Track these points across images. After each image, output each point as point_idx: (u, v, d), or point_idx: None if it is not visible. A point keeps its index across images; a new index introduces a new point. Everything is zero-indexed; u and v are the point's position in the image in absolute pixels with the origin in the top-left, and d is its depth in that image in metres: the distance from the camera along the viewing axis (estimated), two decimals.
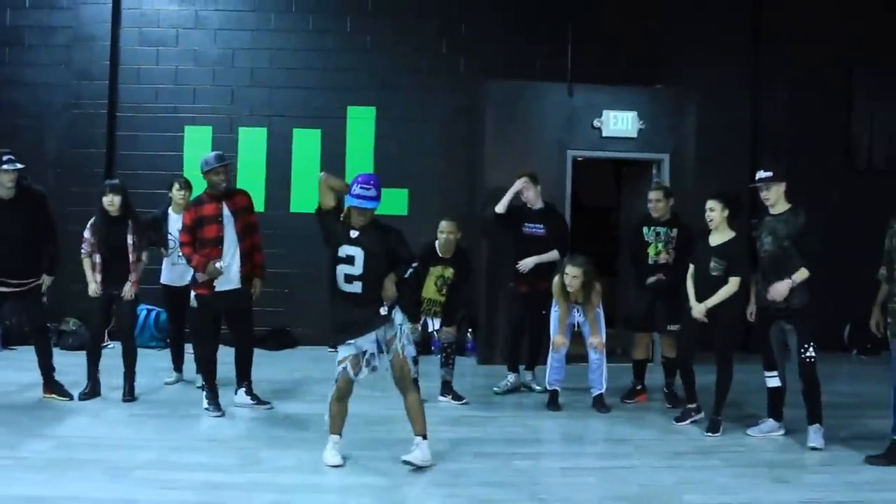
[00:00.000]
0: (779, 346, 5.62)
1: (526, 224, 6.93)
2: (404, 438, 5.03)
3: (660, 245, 6.50)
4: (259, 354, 6.51)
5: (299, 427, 5.61)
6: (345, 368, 4.74)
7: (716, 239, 5.79)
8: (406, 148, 9.09)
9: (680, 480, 4.73)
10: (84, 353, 6.39)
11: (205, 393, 5.99)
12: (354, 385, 4.83)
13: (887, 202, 6.05)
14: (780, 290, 5.37)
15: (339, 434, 4.90)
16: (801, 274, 5.34)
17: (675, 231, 6.49)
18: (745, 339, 8.22)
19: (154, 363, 7.34)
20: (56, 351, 6.53)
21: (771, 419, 5.72)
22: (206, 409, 5.93)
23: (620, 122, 8.31)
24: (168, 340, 7.37)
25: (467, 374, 7.65)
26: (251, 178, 8.82)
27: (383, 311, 4.74)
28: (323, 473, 4.71)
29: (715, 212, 5.78)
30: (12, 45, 9.03)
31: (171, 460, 4.85)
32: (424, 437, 4.80)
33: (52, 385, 6.12)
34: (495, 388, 6.88)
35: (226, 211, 5.90)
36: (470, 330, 8.71)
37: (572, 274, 6.16)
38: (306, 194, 8.97)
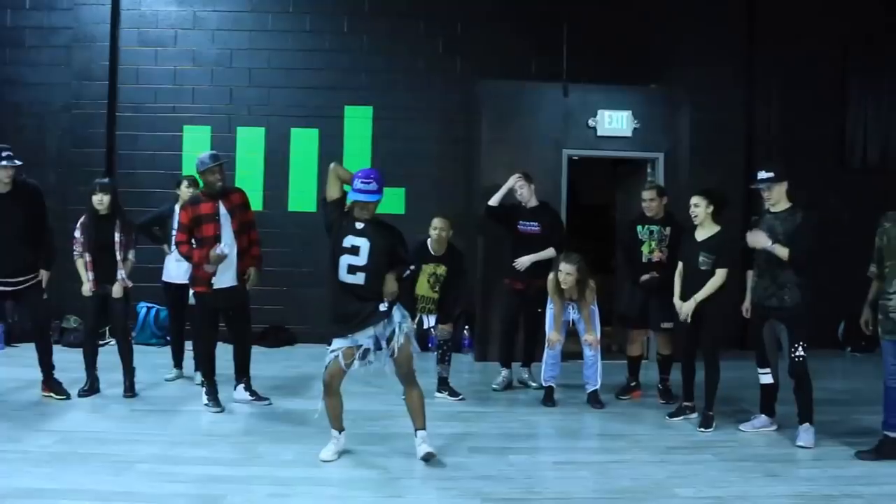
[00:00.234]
0: (772, 344, 5.66)
1: (521, 222, 6.98)
2: (401, 433, 5.10)
3: (653, 243, 6.56)
4: (257, 351, 6.57)
5: (298, 422, 5.64)
6: (337, 357, 4.71)
7: (702, 234, 5.86)
8: (403, 147, 9.13)
9: (672, 474, 4.79)
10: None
11: (204, 389, 6.05)
12: (345, 380, 4.81)
13: (881, 200, 6.08)
14: (758, 238, 5.39)
15: (339, 429, 4.92)
16: (782, 250, 5.32)
17: (668, 229, 6.55)
18: (740, 335, 8.38)
19: (154, 360, 7.42)
20: (58, 348, 6.59)
21: (763, 415, 5.78)
22: (206, 404, 5.99)
23: (615, 122, 8.36)
24: (168, 337, 7.45)
25: (464, 371, 7.71)
26: (249, 176, 8.90)
27: (383, 307, 4.73)
28: (321, 467, 4.77)
29: (699, 207, 5.85)
30: (12, 46, 9.06)
31: (172, 454, 4.91)
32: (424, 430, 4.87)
33: (50, 383, 6.14)
34: (494, 385, 6.92)
35: (222, 209, 5.95)
36: (467, 327, 8.77)
37: (566, 271, 6.22)
38: (304, 193, 9.09)
